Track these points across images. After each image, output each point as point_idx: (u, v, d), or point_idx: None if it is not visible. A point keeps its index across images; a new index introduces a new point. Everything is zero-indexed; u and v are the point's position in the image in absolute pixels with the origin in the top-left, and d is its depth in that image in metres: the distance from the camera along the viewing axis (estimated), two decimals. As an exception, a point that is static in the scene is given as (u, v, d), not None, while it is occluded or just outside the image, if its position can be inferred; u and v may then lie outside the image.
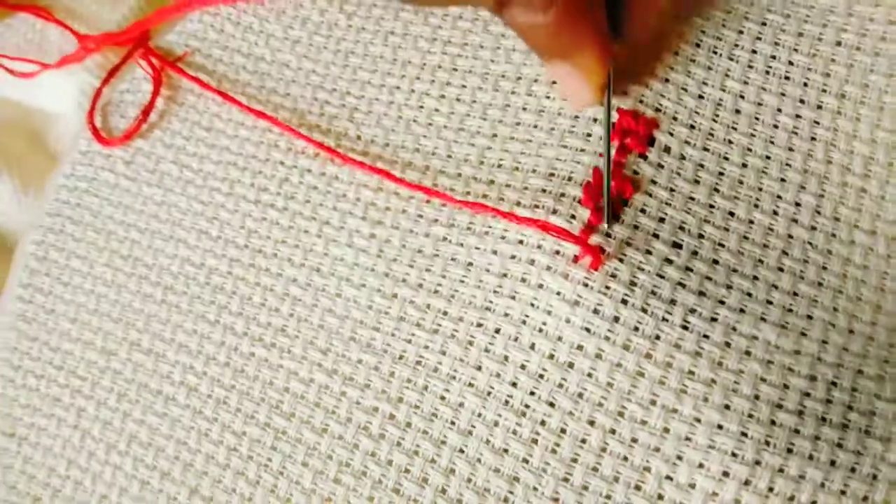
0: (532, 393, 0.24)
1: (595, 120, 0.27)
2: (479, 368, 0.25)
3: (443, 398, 0.25)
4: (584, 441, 0.24)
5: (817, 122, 0.26)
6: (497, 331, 0.25)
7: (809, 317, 0.24)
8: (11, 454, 0.31)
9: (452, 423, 0.25)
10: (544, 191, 0.26)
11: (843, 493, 0.22)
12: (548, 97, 0.28)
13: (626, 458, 0.23)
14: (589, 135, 0.27)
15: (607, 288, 0.24)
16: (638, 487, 0.23)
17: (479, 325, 0.25)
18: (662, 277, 0.24)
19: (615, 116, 0.26)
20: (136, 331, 0.30)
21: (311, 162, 0.30)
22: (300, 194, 0.30)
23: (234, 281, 0.29)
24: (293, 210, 0.29)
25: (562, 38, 0.23)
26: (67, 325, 0.31)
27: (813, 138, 0.26)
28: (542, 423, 0.24)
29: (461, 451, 0.25)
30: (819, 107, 0.26)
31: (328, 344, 0.27)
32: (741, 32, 0.27)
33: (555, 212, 0.26)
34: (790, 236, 0.25)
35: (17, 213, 0.36)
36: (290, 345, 0.28)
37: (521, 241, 0.26)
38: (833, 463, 0.23)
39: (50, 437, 0.30)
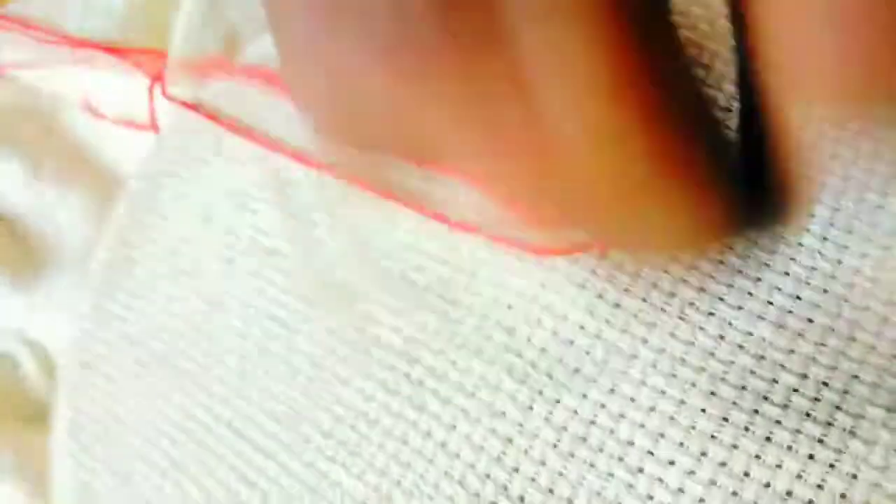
0: (534, 365, 0.27)
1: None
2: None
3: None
4: (575, 412, 0.26)
5: None
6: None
7: (810, 320, 0.25)
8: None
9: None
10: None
11: (819, 486, 0.23)
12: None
13: (612, 431, 0.25)
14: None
15: (613, 277, 0.27)
16: (621, 459, 0.25)
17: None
18: (666, 271, 0.26)
19: None
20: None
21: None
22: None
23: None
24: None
25: None
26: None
27: None
28: (540, 392, 0.27)
29: None
30: None
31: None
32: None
33: None
34: (801, 244, 0.26)
35: (28, 197, 0.34)
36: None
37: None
38: (811, 457, 0.23)
39: None
